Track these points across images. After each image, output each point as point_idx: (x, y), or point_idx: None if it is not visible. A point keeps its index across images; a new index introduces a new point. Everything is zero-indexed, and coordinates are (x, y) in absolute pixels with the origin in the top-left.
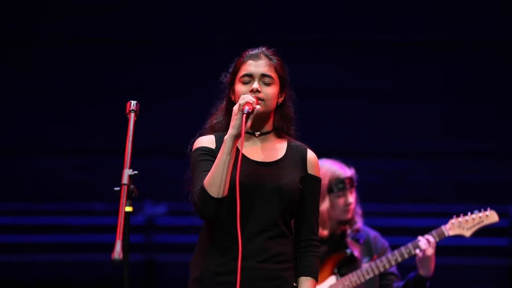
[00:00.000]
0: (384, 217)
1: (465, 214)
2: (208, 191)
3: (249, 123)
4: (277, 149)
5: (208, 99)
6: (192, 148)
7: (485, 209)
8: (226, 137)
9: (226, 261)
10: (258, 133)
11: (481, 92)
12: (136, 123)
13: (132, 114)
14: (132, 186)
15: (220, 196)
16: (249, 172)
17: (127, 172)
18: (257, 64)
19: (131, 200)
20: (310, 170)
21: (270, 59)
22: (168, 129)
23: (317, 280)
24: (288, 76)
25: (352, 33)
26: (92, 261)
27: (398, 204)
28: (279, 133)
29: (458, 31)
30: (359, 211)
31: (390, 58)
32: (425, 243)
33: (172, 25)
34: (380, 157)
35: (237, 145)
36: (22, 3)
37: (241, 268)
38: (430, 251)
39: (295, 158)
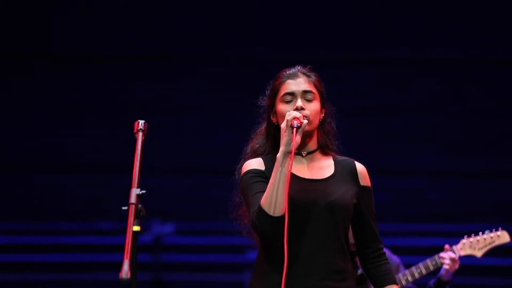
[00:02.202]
0: (396, 236)
1: (477, 234)
2: (266, 210)
3: (298, 138)
4: (326, 166)
5: (215, 118)
6: (240, 172)
7: (497, 229)
8: (278, 155)
9: (286, 279)
10: (305, 152)
11: (497, 110)
12: (144, 141)
13: (140, 134)
14: (140, 206)
15: (278, 214)
16: (302, 189)
17: (135, 191)
18: (297, 82)
19: (139, 219)
20: (362, 182)
21: (308, 76)
22: (177, 147)
23: (398, 285)
24: (325, 92)
25: (356, 50)
26: (100, 280)
27: (410, 223)
28: (324, 150)
29: (476, 48)
30: None
31: (404, 72)
32: (450, 261)
33: (188, 38)
34: (392, 175)
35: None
36: (22, 17)
37: (301, 286)
38: (457, 265)
39: (344, 172)
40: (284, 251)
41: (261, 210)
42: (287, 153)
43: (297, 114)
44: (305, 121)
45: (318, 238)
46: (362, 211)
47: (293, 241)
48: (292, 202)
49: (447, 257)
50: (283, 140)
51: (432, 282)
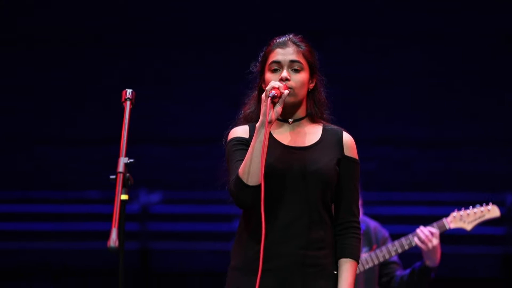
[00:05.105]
0: (385, 205)
1: (466, 206)
2: (243, 179)
3: (279, 108)
4: (312, 133)
5: (204, 88)
6: (226, 139)
7: (487, 203)
8: (257, 125)
9: (265, 247)
10: (292, 120)
11: (482, 79)
12: (131, 111)
13: (128, 103)
14: (127, 175)
15: (255, 184)
16: (283, 158)
17: (123, 160)
18: (285, 52)
19: (126, 188)
20: (347, 152)
21: (298, 45)
22: (163, 116)
23: (358, 262)
24: (318, 61)
25: (352, 23)
26: (88, 249)
27: (399, 192)
28: (313, 118)
29: (460, 23)
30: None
31: (390, 44)
32: (426, 234)
33: (173, 20)
34: (381, 145)
35: (272, 132)
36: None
37: (280, 254)
38: (435, 242)
39: (331, 141)
40: (267, 221)
41: (238, 178)
42: (264, 123)
43: (276, 84)
44: (286, 92)
45: (297, 206)
46: (342, 181)
47: (271, 209)
48: (272, 169)
49: (424, 230)
50: (262, 109)
51: (417, 265)
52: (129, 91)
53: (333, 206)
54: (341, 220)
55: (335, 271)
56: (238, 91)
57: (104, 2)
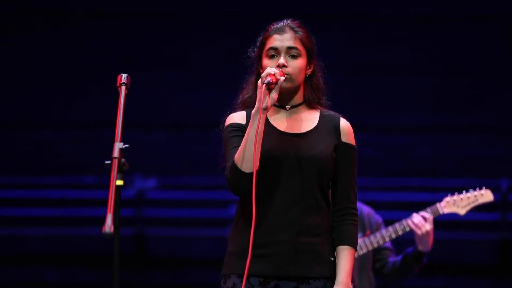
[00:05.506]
0: (383, 191)
1: (460, 191)
2: (239, 166)
3: (274, 94)
4: (309, 120)
5: (199, 73)
6: (224, 125)
7: (480, 188)
8: (253, 111)
9: (261, 234)
10: (289, 106)
11: (481, 66)
12: (127, 96)
13: (123, 88)
14: (123, 160)
15: (250, 170)
16: (280, 144)
17: (118, 145)
18: (282, 38)
19: (122, 173)
20: (344, 138)
21: (295, 31)
22: (160, 102)
23: (355, 249)
24: (315, 47)
25: (349, 6)
26: (83, 234)
27: (396, 177)
28: (311, 104)
29: (456, 5)
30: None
31: (388, 31)
32: (419, 219)
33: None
34: (377, 131)
35: (268, 118)
36: None
37: (275, 240)
38: (428, 227)
39: (328, 127)
40: (257, 206)
41: (233, 165)
42: (259, 110)
43: (272, 70)
44: (282, 78)
45: (293, 192)
46: (339, 168)
47: (267, 195)
48: (268, 155)
49: (417, 215)
50: (258, 96)
51: (409, 250)
52: (124, 75)
53: (330, 193)
54: (338, 206)
55: (332, 257)
56: (236, 77)
57: None
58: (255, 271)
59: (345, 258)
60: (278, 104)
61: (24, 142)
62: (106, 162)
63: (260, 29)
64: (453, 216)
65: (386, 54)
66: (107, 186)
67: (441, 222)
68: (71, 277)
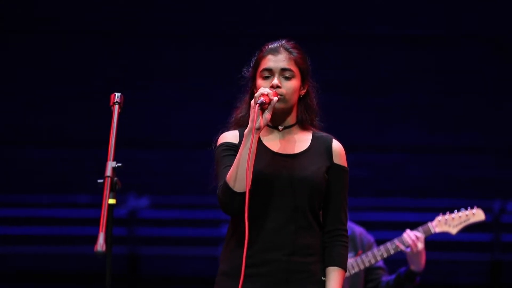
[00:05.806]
0: (376, 211)
1: (452, 211)
2: (231, 185)
3: (268, 115)
4: (302, 141)
5: (191, 92)
6: (216, 144)
7: (472, 207)
8: (246, 131)
9: (253, 253)
10: (282, 127)
11: (474, 86)
12: (120, 114)
13: (116, 106)
14: (115, 179)
15: (242, 190)
16: (272, 165)
17: (111, 164)
18: (277, 59)
19: (114, 192)
20: (336, 160)
21: (290, 52)
22: (151, 121)
23: (345, 270)
24: (310, 67)
25: (338, 25)
26: (75, 253)
27: (390, 198)
28: (303, 125)
29: (451, 25)
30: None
31: (379, 49)
32: (411, 239)
33: (156, 19)
34: (372, 151)
35: (261, 138)
36: None
37: (267, 260)
38: (420, 246)
39: (320, 148)
40: (249, 226)
41: (225, 184)
42: (253, 130)
43: (265, 91)
44: (275, 99)
45: (285, 213)
46: (331, 189)
47: (259, 215)
48: (260, 176)
49: (410, 234)
50: (251, 116)
51: (402, 270)
52: (117, 94)
53: (321, 213)
54: (329, 228)
55: (324, 277)
56: (229, 96)
57: None
58: None
59: (334, 279)
60: (271, 124)
61: (16, 160)
62: (99, 180)
63: (254, 48)
64: (446, 236)
65: (378, 73)
66: (99, 205)
67: (434, 242)
68: None
